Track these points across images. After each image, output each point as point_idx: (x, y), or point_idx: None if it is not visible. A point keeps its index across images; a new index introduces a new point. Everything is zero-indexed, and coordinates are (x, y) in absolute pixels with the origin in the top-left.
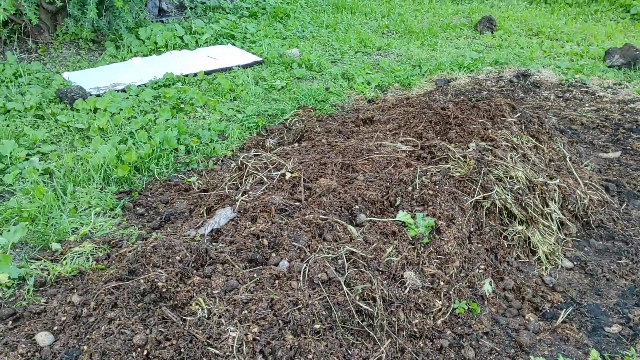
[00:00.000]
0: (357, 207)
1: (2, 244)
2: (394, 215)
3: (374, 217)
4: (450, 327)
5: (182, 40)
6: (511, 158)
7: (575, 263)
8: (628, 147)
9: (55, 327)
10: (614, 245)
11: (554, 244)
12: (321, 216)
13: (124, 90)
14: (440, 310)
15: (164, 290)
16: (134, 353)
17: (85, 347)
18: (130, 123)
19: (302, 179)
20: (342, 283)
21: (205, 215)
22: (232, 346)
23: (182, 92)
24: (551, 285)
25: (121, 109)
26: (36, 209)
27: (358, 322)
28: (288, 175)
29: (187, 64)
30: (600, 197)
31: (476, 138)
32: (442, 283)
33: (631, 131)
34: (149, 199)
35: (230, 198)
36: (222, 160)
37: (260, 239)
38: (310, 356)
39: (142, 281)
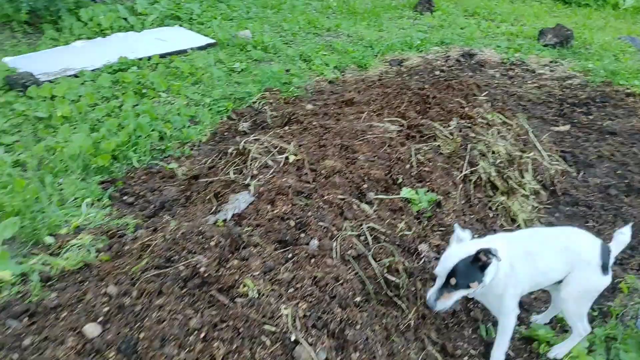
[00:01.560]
0: (365, 186)
1: None
2: (397, 192)
3: (381, 194)
4: None
5: (126, 21)
6: (491, 134)
7: None
8: (575, 121)
9: (100, 318)
10: (579, 210)
11: (530, 212)
12: (339, 196)
13: (76, 76)
14: None
15: (206, 275)
16: (192, 337)
17: (141, 334)
18: (94, 110)
19: (306, 162)
20: (370, 257)
21: (214, 201)
22: (286, 323)
23: (142, 77)
24: None
25: (81, 96)
26: (20, 203)
27: (386, 294)
28: (292, 158)
29: (137, 47)
30: (562, 168)
31: (455, 116)
32: None
33: (575, 105)
34: (134, 187)
35: (237, 183)
36: (198, 146)
37: (286, 221)
38: (358, 327)
39: (181, 267)
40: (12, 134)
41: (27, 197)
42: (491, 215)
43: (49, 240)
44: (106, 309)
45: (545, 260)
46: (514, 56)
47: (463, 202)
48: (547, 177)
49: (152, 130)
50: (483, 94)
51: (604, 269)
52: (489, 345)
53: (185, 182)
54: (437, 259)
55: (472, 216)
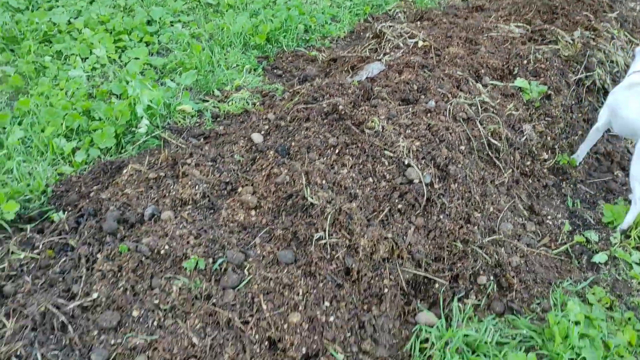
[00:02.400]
0: (482, 71)
1: (173, 87)
2: (512, 81)
3: (496, 81)
4: (553, 173)
5: None
6: (613, 45)
7: None
8: None
9: (262, 132)
10: None
11: None
12: (458, 72)
13: None
14: (546, 160)
15: (343, 112)
16: (329, 150)
17: (292, 143)
18: (253, 2)
19: (432, 47)
20: (478, 122)
21: (350, 71)
22: (402, 151)
23: None
24: None
25: None
26: (197, 62)
27: (488, 154)
28: (420, 43)
29: None
30: None
31: (580, 27)
32: (548, 139)
33: None
34: (282, 64)
35: (370, 58)
36: (336, 40)
37: (410, 85)
38: (459, 166)
39: (324, 105)
40: (187, 15)
41: (202, 59)
42: None
43: (216, 92)
44: (266, 127)
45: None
46: None
47: (574, 102)
48: None
49: (300, 23)
50: (614, 13)
51: None
52: (572, 213)
53: (325, 64)
54: (539, 141)
55: (580, 115)
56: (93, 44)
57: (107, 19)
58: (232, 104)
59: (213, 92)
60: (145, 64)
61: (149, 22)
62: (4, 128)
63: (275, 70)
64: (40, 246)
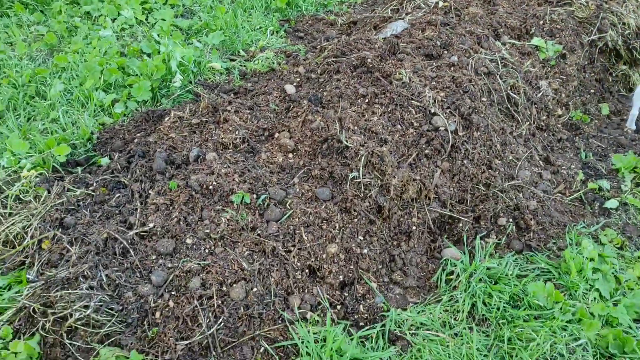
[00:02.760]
0: (501, 30)
1: (200, 47)
2: (529, 40)
3: (514, 40)
4: (567, 128)
5: None
6: (625, 7)
7: None
8: None
9: (294, 84)
10: None
11: None
12: (479, 29)
13: None
14: (560, 116)
15: (371, 65)
16: (359, 100)
17: (324, 93)
18: None
19: (452, 7)
20: (498, 77)
21: (374, 30)
22: (428, 101)
23: None
24: None
25: None
26: (222, 24)
27: (507, 107)
28: (441, 3)
29: None
30: None
31: None
32: (563, 96)
33: None
34: (303, 27)
35: (392, 18)
36: (353, 6)
37: (433, 41)
38: (482, 115)
39: (353, 58)
40: None
41: (226, 20)
42: (610, 79)
43: (242, 52)
44: (297, 79)
45: None
46: None
47: (587, 62)
48: None
49: None
50: None
51: None
52: (585, 164)
53: (345, 27)
54: (554, 98)
55: (592, 75)
56: (120, 6)
57: None
58: (258, 62)
59: (239, 52)
60: (172, 26)
61: None
62: (45, 80)
63: (296, 33)
64: (94, 184)
